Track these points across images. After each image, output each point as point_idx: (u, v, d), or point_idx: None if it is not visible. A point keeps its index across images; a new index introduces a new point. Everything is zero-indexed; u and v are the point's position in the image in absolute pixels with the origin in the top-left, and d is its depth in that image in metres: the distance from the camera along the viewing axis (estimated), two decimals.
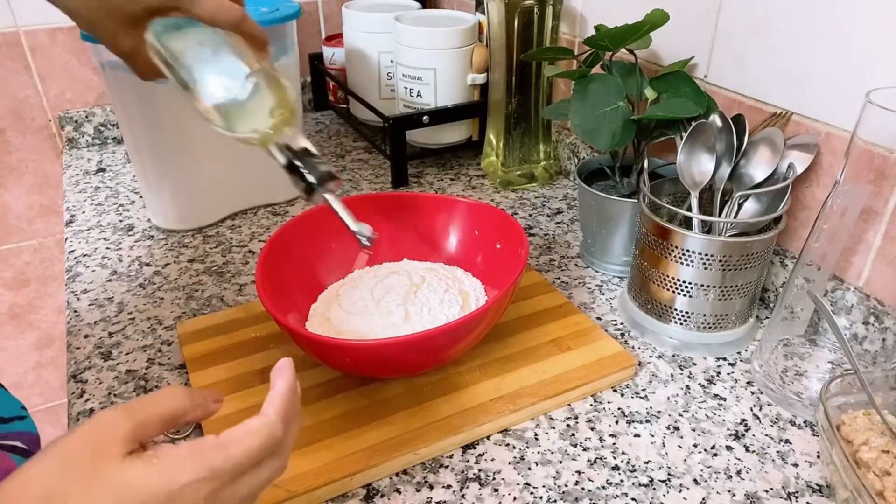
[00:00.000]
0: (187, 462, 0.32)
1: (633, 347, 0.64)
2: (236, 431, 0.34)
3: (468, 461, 0.52)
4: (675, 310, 0.62)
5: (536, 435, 0.55)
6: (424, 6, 1.11)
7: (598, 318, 0.68)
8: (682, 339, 0.63)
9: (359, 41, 1.04)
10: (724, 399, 0.58)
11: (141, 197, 0.93)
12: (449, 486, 0.50)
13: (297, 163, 0.51)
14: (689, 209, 0.62)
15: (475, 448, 0.54)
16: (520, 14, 0.82)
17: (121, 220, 0.87)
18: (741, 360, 0.63)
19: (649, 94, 0.69)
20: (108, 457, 0.30)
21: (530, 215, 0.88)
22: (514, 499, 0.49)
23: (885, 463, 0.46)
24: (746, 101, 0.68)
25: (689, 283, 0.60)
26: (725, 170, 0.62)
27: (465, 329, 0.53)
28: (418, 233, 0.69)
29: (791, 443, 0.54)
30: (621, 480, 0.51)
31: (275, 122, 0.50)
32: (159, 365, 0.62)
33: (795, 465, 0.52)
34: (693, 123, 0.62)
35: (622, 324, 0.68)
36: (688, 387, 0.60)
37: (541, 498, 0.49)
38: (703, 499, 0.49)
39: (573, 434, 0.55)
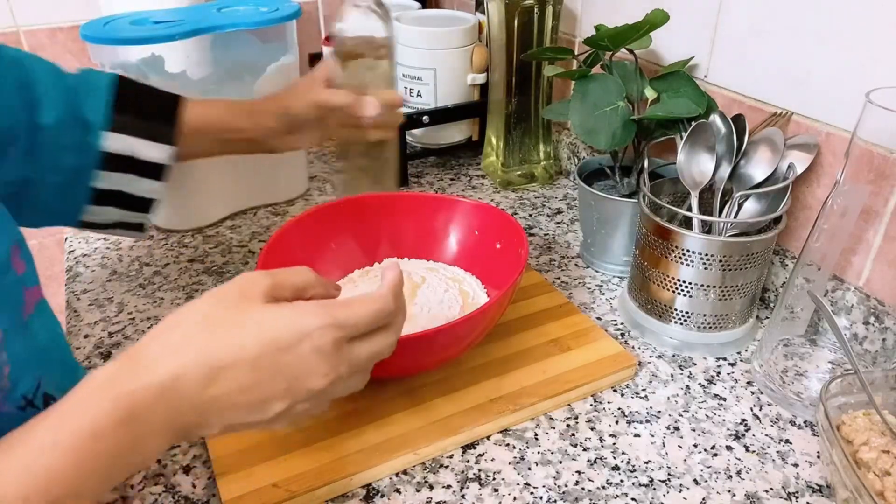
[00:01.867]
0: (318, 310, 0.37)
1: (633, 347, 0.64)
2: (356, 298, 0.40)
3: (468, 461, 0.52)
4: (676, 310, 0.62)
5: (536, 435, 0.55)
6: (424, 6, 1.10)
7: (598, 318, 0.68)
8: (683, 339, 0.63)
9: None
10: (725, 399, 0.58)
11: None
12: (449, 487, 0.50)
13: None
14: (689, 209, 0.62)
15: (475, 448, 0.53)
16: (520, 14, 0.82)
17: None
18: (741, 360, 0.63)
19: (649, 93, 0.69)
20: (252, 298, 0.37)
21: (530, 215, 0.88)
22: (514, 499, 0.49)
23: (886, 463, 0.46)
24: (747, 100, 0.68)
25: (690, 283, 0.60)
26: (725, 170, 0.62)
27: (465, 329, 0.53)
28: (418, 233, 0.69)
29: (791, 443, 0.54)
30: (621, 480, 0.51)
31: None
32: None
33: (795, 465, 0.52)
34: (693, 123, 0.62)
35: (622, 324, 0.68)
36: (688, 387, 0.60)
37: (541, 498, 0.49)
38: (703, 499, 0.49)
39: (573, 434, 0.55)
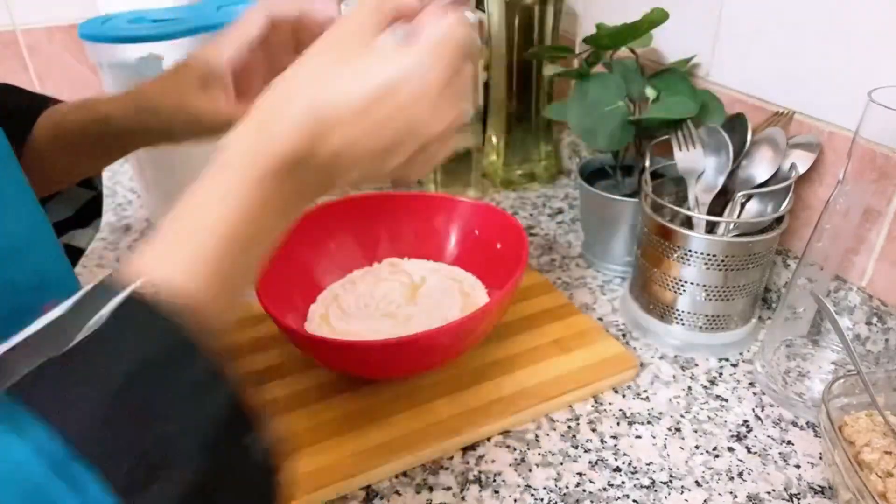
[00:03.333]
0: (437, 48, 0.35)
1: (634, 348, 0.64)
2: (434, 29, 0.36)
3: (468, 463, 0.52)
4: (677, 310, 0.62)
5: (537, 436, 0.54)
6: None
7: (600, 319, 0.68)
8: (684, 339, 0.63)
9: None
10: (726, 400, 0.58)
11: (139, 196, 0.92)
12: (449, 488, 0.50)
13: None
14: (691, 209, 0.62)
15: (475, 450, 0.53)
16: (520, 13, 0.82)
17: (118, 220, 0.87)
18: (743, 361, 0.62)
19: (650, 93, 0.69)
20: (370, 30, 0.34)
21: (531, 215, 0.87)
22: (515, 500, 0.49)
23: (888, 464, 0.45)
24: (749, 100, 0.68)
25: (691, 284, 0.60)
26: (727, 169, 0.61)
27: (465, 330, 0.53)
28: (418, 233, 0.69)
29: (793, 444, 0.54)
30: (623, 482, 0.50)
31: None
32: None
33: (797, 467, 0.52)
34: (689, 122, 0.62)
35: (624, 324, 0.67)
36: (689, 388, 0.59)
37: (542, 500, 0.49)
38: (705, 500, 0.49)
39: (574, 435, 0.54)
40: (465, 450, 0.53)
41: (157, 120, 0.52)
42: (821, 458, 0.52)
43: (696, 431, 0.55)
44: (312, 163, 0.33)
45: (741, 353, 0.63)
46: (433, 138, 0.36)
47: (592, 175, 0.77)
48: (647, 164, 0.66)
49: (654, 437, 0.54)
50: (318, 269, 0.66)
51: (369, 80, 0.33)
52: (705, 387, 0.59)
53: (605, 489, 0.50)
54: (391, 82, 0.33)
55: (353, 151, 0.34)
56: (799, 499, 0.49)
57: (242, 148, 0.33)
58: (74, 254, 0.59)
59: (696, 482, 0.50)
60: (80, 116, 0.52)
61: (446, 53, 0.35)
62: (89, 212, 0.60)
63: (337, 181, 0.35)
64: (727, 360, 0.62)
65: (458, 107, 0.37)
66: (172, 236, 0.31)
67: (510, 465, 0.52)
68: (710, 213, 0.62)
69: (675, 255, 0.59)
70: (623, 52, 0.69)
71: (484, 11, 0.90)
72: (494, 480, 0.51)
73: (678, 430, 0.55)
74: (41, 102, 0.53)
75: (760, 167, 0.61)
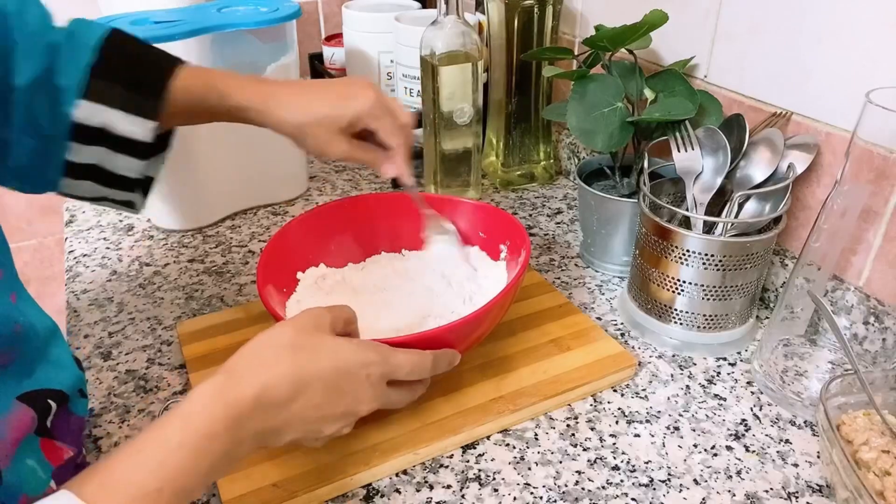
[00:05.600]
0: (378, 349, 0.46)
1: (633, 347, 0.64)
2: (404, 350, 0.48)
3: (468, 461, 0.52)
4: (675, 310, 0.62)
5: (536, 435, 0.55)
6: (424, 6, 1.10)
7: (598, 318, 0.68)
8: (682, 339, 0.63)
9: (359, 41, 1.04)
10: (725, 399, 0.58)
11: None
12: (449, 487, 0.50)
13: None
14: (689, 209, 0.62)
15: (475, 448, 0.53)
16: (520, 14, 0.82)
17: (120, 220, 0.87)
18: (741, 360, 0.63)
19: (649, 94, 0.69)
20: (324, 330, 0.45)
21: (530, 215, 0.88)
22: (514, 499, 0.49)
23: (886, 463, 0.46)
24: (746, 100, 0.68)
25: (689, 283, 0.60)
26: (725, 170, 0.62)
27: (467, 329, 0.53)
28: (418, 233, 0.69)
29: (791, 443, 0.54)
30: (621, 480, 0.51)
31: None
32: (159, 365, 0.62)
33: (795, 465, 0.52)
34: (687, 123, 0.62)
35: (622, 324, 0.68)
36: (688, 387, 0.60)
37: (541, 498, 0.49)
38: (703, 499, 0.49)
39: (573, 434, 0.55)
40: (465, 448, 0.53)
41: (265, 124, 0.57)
42: (818, 456, 0.53)
43: (694, 430, 0.55)
44: (274, 410, 0.40)
45: (739, 353, 0.63)
46: (355, 418, 0.46)
47: (591, 175, 0.77)
48: (646, 164, 0.67)
49: (652, 436, 0.54)
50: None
51: (338, 361, 0.44)
52: (703, 386, 0.60)
53: (603, 487, 0.50)
54: (351, 366, 0.44)
55: (307, 412, 0.42)
56: (797, 497, 0.49)
57: (212, 391, 0.39)
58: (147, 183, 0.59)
59: (695, 480, 0.51)
60: (206, 94, 0.56)
61: (391, 361, 0.47)
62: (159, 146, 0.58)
63: (280, 435, 0.42)
64: (725, 359, 0.63)
65: (378, 402, 0.46)
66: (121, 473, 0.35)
67: (509, 464, 0.52)
68: (708, 213, 0.62)
69: (674, 255, 0.60)
70: (622, 53, 0.70)
71: (484, 13, 0.90)
72: (494, 479, 0.51)
73: (676, 428, 0.55)
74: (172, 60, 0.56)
75: (758, 168, 0.61)
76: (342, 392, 0.43)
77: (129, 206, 0.58)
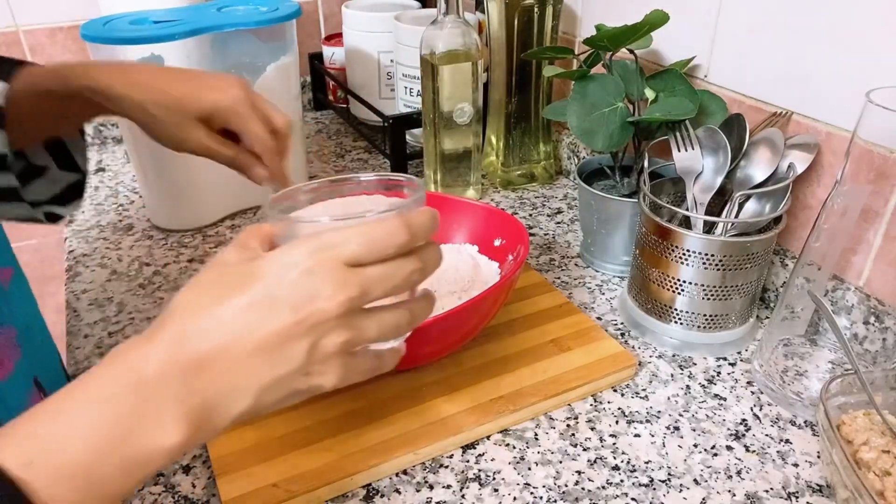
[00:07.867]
0: (301, 242, 0.34)
1: (633, 347, 0.64)
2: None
3: (468, 461, 0.52)
4: (676, 310, 0.62)
5: (536, 435, 0.55)
6: (424, 6, 1.10)
7: (599, 318, 0.68)
8: (683, 338, 0.63)
9: (359, 41, 1.04)
10: (725, 399, 0.58)
11: (140, 196, 0.92)
12: (449, 487, 0.50)
13: None
14: (689, 209, 0.62)
15: (475, 448, 0.53)
16: (520, 14, 0.82)
17: (120, 220, 0.87)
18: (741, 360, 0.63)
19: (649, 94, 0.69)
20: (249, 249, 0.37)
21: (530, 215, 0.88)
22: (514, 499, 0.49)
23: (886, 463, 0.46)
24: (747, 100, 0.68)
25: (690, 283, 0.60)
26: (726, 170, 0.62)
27: (463, 317, 0.52)
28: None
29: (791, 443, 0.54)
30: (621, 480, 0.51)
31: None
32: None
33: (796, 465, 0.52)
34: (687, 122, 0.62)
35: (622, 324, 0.68)
36: (688, 387, 0.60)
37: (541, 498, 0.49)
38: (704, 499, 0.49)
39: (573, 434, 0.55)
40: (465, 448, 0.53)
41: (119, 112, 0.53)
42: (819, 456, 0.53)
43: (694, 430, 0.55)
44: (195, 359, 0.33)
45: (739, 353, 0.63)
46: (334, 323, 0.34)
47: (591, 175, 0.77)
48: (646, 164, 0.67)
49: (652, 436, 0.54)
50: None
51: (251, 276, 0.34)
52: (703, 386, 0.60)
53: (603, 487, 0.50)
54: (270, 275, 0.34)
55: (242, 344, 0.33)
56: (797, 497, 0.49)
57: (114, 352, 0.34)
58: (53, 218, 0.59)
59: (695, 480, 0.51)
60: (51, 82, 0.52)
61: (327, 242, 0.34)
62: (71, 194, 0.59)
63: (232, 395, 0.34)
64: (725, 359, 0.63)
65: (352, 291, 0.34)
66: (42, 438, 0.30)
67: (509, 464, 0.52)
68: (708, 213, 0.62)
69: (674, 255, 0.60)
70: (622, 52, 0.70)
71: (484, 12, 0.90)
72: (494, 479, 0.51)
73: (677, 428, 0.55)
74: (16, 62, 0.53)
75: (758, 167, 0.61)
76: (273, 300, 0.33)
77: (40, 220, 0.55)
